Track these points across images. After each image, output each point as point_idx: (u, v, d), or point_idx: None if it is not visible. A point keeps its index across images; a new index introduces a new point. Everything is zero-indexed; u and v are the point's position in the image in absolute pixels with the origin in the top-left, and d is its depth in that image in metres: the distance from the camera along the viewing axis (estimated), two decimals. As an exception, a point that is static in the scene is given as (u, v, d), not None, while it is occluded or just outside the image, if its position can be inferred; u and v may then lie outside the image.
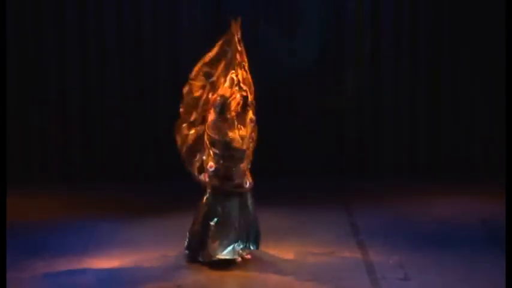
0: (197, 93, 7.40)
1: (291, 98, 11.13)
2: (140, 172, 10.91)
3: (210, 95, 7.33)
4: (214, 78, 7.37)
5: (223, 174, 7.16)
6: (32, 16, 10.91)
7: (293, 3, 11.00)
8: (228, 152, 7.12)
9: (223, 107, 7.14)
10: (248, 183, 7.27)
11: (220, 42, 7.47)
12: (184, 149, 7.36)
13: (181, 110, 7.44)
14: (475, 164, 11.20)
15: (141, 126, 10.90)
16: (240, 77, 7.24)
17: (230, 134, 7.11)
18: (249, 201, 7.33)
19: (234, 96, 7.16)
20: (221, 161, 7.12)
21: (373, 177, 10.95)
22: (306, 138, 11.12)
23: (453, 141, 11.19)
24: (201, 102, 7.37)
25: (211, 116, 7.19)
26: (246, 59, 7.39)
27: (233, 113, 7.15)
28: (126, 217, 8.91)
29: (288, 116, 11.10)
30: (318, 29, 11.03)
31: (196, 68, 7.51)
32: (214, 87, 7.34)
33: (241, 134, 7.16)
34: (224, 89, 7.22)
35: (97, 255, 7.55)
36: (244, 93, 7.19)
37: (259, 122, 10.85)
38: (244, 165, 7.22)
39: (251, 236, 7.35)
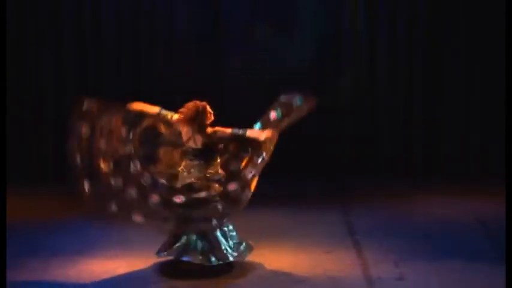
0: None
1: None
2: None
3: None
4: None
5: None
6: (30, 16, 10.96)
7: (290, 3, 11.01)
8: None
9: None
10: None
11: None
12: None
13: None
14: (474, 163, 11.18)
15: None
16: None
17: None
18: None
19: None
20: None
21: (371, 176, 10.95)
22: (304, 138, 11.12)
23: (452, 140, 11.18)
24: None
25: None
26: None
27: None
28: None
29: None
30: (315, 28, 11.04)
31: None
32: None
33: None
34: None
35: (93, 256, 7.57)
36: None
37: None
38: None
39: None
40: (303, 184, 10.57)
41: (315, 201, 9.79)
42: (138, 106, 7.20)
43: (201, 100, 7.11)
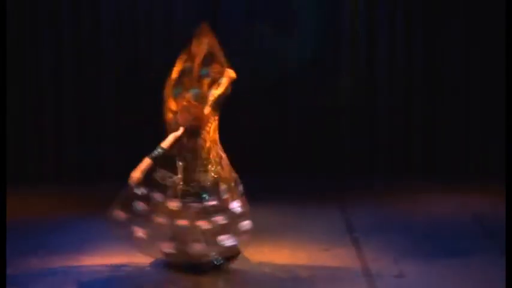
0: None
1: (288, 97, 11.14)
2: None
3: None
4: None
5: None
6: (30, 16, 10.98)
7: (290, 3, 11.02)
8: None
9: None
10: None
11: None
12: None
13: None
14: (474, 163, 11.18)
15: (137, 125, 10.93)
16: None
17: None
18: None
19: None
20: None
21: (371, 175, 10.96)
22: (304, 137, 11.13)
23: (452, 140, 11.18)
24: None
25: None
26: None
27: None
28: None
29: (286, 114, 11.11)
30: (314, 28, 11.06)
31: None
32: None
33: None
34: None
35: (92, 254, 7.56)
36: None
37: (257, 121, 10.84)
38: None
39: None
40: (303, 183, 10.57)
41: (315, 200, 9.79)
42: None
43: None
